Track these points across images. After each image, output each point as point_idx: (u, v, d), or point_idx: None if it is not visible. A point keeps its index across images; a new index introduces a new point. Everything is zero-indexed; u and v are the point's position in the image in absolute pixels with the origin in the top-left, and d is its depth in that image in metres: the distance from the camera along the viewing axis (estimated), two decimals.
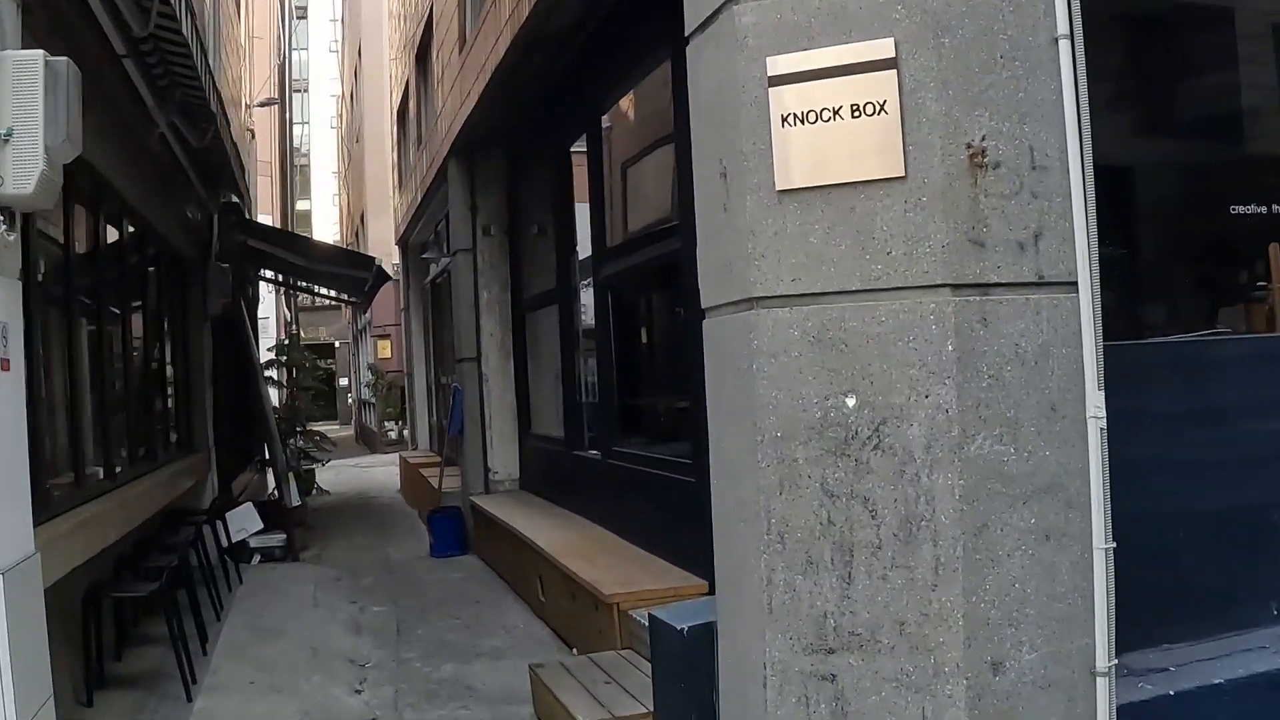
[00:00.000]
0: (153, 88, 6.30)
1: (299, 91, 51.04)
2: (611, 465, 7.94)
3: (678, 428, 7.20)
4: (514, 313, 11.12)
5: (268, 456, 11.91)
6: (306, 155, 62.05)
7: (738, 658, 4.09)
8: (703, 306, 4.33)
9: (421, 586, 9.45)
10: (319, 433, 15.61)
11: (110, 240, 6.86)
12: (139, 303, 8.39)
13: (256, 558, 11.05)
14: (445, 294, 16.67)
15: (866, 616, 3.71)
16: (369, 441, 31.90)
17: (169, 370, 9.83)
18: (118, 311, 7.41)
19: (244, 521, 11.17)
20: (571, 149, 9.35)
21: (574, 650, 6.84)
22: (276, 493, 11.92)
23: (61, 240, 5.72)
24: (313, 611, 8.33)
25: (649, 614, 5.17)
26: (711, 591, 6.15)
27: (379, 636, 7.58)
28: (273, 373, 14.97)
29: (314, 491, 15.21)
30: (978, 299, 3.66)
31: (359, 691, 6.28)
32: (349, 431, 40.21)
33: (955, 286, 3.63)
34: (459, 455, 11.81)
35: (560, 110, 9.28)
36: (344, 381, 45.76)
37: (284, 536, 11.21)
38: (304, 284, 17.20)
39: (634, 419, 8.47)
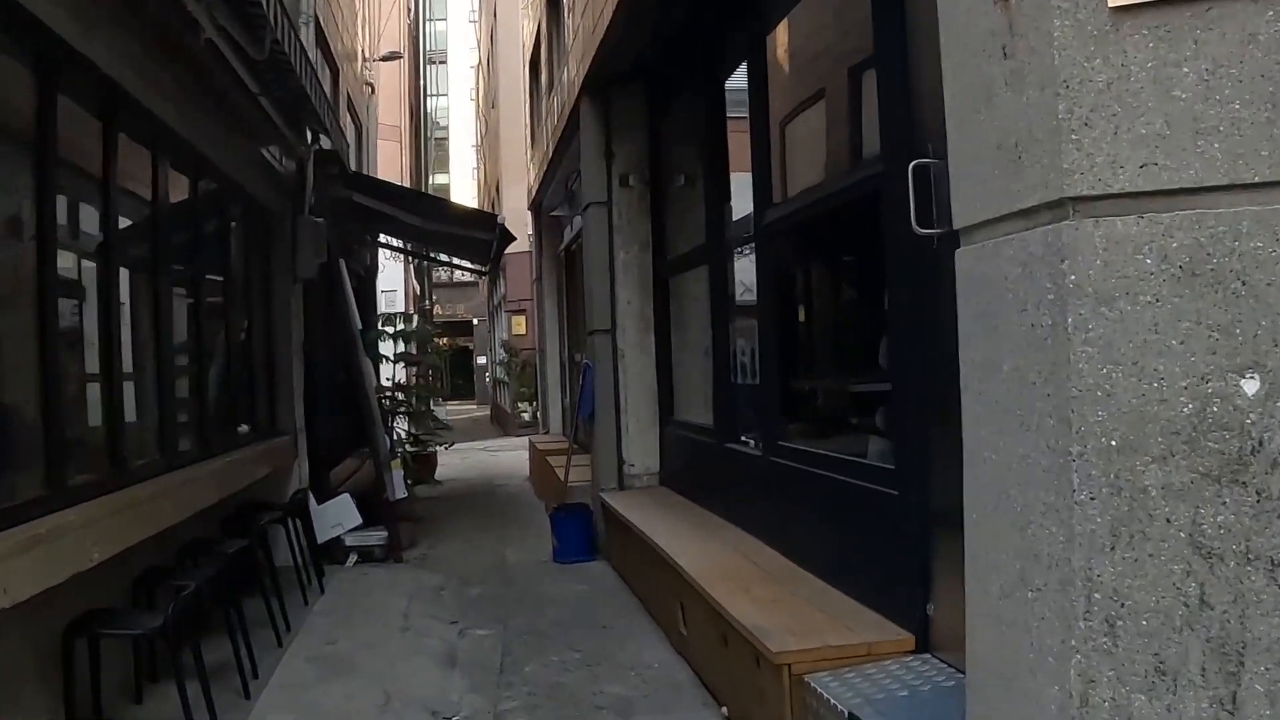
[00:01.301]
0: None
1: (437, 63, 50.76)
2: (775, 464, 6.33)
3: (872, 420, 5.57)
4: (655, 277, 9.59)
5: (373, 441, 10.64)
6: (445, 129, 62.02)
7: None
8: (956, 226, 2.73)
9: (538, 602, 8.03)
10: (432, 415, 14.16)
11: (123, 170, 5.45)
12: (190, 260, 7.08)
13: (353, 558, 9.83)
14: (579, 262, 15.29)
15: None
16: (502, 423, 31.00)
17: (243, 342, 8.57)
18: (154, 270, 6.10)
19: (339, 516, 9.96)
20: (727, 81, 7.78)
21: (723, 710, 5.31)
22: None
23: (34, 159, 4.34)
24: (400, 636, 6.95)
25: (847, 713, 3.60)
26: (921, 649, 4.55)
27: (476, 674, 6.16)
28: (388, 348, 13.74)
29: (431, 480, 13.96)
30: None
31: None
32: (485, 412, 39.64)
33: None
34: (590, 443, 10.37)
35: (713, 33, 7.72)
36: (481, 360, 45.54)
37: (384, 534, 9.95)
38: (424, 249, 15.96)
39: (806, 406, 6.87)
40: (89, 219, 5.22)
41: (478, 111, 43.99)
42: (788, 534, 6.10)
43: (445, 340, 52.04)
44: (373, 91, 18.08)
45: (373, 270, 16.61)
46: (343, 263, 10.43)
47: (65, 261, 4.82)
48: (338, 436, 12.16)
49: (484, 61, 37.43)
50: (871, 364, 5.58)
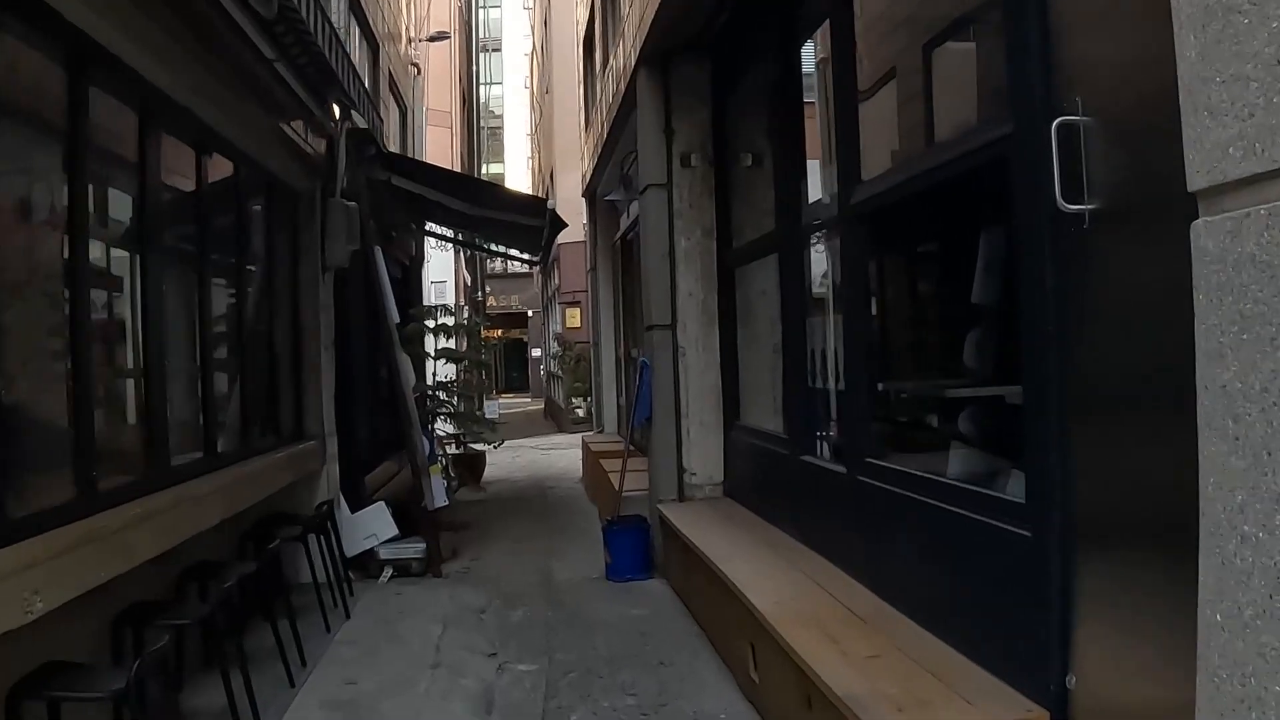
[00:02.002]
0: None
1: (490, 51, 50.13)
2: (863, 486, 5.45)
3: (994, 438, 4.70)
4: (720, 266, 8.74)
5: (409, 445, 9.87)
6: (500, 118, 61.62)
7: None
8: (1193, 188, 1.85)
9: (588, 628, 7.23)
10: (477, 415, 13.20)
11: (98, 134, 4.68)
12: (195, 241, 6.30)
13: (387, 572, 9.11)
14: (636, 251, 14.48)
15: None
16: (556, 418, 30.39)
17: (264, 337, 7.83)
18: (142, 249, 5.32)
19: (373, 526, 9.27)
20: (804, 46, 6.92)
21: None
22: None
23: None
24: (431, 674, 6.14)
25: None
26: None
27: None
28: (432, 343, 13.00)
29: (475, 485, 13.14)
30: None
31: None
32: (539, 406, 39.18)
33: None
34: (647, 448, 9.57)
35: None
36: (535, 353, 45.42)
37: (422, 546, 9.22)
38: (471, 236, 15.21)
39: (904, 417, 6.00)
40: (48, 186, 4.44)
41: (532, 100, 43.47)
42: (880, 568, 5.23)
43: (499, 332, 51.81)
44: (419, 73, 17.38)
45: (418, 260, 15.93)
46: (379, 250, 9.69)
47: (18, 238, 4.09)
48: (376, 438, 11.48)
49: (538, 47, 36.89)
50: (986, 369, 4.73)
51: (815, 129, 6.77)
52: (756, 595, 5.40)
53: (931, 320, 6.09)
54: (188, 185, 6.21)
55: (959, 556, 4.35)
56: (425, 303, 16.14)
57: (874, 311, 5.81)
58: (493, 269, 49.13)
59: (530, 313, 46.53)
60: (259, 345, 7.72)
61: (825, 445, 6.50)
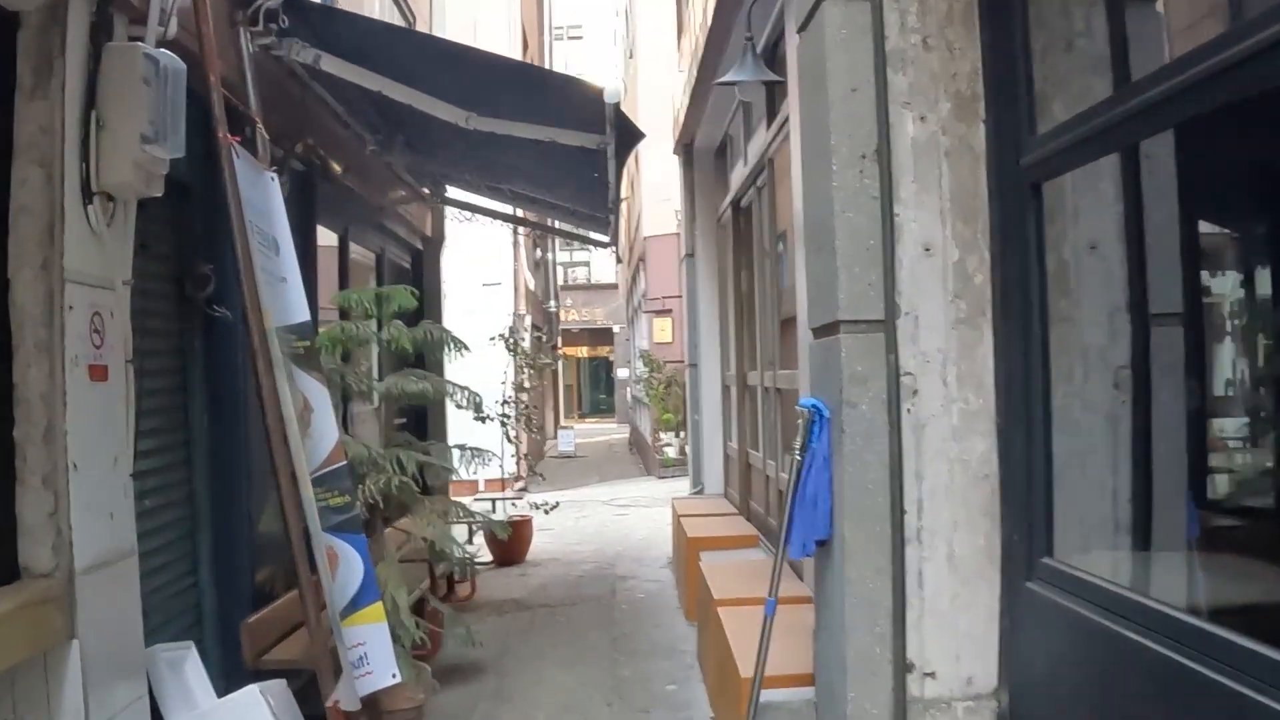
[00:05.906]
0: None
1: (570, 39, 46.05)
2: None
3: None
4: (1000, 183, 3.88)
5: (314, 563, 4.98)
6: None
7: None
8: None
9: None
10: (458, 505, 7.30)
11: None
12: None
13: None
14: (755, 221, 9.66)
15: None
16: (642, 453, 25.90)
17: None
18: None
19: None
20: None
21: None
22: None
23: None
24: None
25: None
26: None
27: None
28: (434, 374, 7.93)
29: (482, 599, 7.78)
30: None
31: None
32: (625, 433, 35.13)
33: None
34: (816, 593, 4.68)
35: None
36: (622, 373, 42.41)
37: None
38: (493, 187, 10.27)
39: None
40: None
41: (622, 78, 39.80)
42: None
43: (585, 350, 47.82)
44: None
45: (435, 243, 11.29)
46: (273, 179, 5.01)
47: None
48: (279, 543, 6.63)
49: (624, 11, 32.97)
50: None
51: None
52: None
53: None
54: None
55: None
56: (441, 310, 11.66)
57: None
58: (573, 278, 45.03)
59: (616, 328, 43.52)
60: None
61: None
